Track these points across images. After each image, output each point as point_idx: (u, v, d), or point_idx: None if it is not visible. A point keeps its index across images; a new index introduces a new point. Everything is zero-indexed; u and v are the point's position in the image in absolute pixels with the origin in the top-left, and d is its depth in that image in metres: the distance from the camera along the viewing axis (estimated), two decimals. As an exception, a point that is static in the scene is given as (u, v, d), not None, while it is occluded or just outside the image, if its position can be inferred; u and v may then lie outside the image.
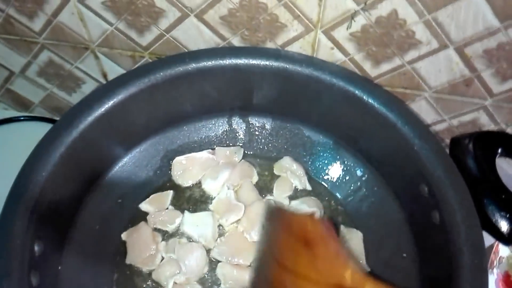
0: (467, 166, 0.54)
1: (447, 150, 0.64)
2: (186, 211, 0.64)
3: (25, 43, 0.74)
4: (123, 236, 0.62)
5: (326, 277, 0.37)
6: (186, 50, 0.69)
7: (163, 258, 0.60)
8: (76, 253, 0.58)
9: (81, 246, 0.59)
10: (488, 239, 0.60)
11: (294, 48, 0.66)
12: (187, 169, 0.67)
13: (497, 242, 0.61)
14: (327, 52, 0.65)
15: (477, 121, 0.71)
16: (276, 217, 0.47)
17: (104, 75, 0.77)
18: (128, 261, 0.60)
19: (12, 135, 0.84)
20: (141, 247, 0.61)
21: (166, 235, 0.63)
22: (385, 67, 0.66)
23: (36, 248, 0.50)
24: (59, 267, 0.55)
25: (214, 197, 0.66)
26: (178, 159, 0.68)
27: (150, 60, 0.72)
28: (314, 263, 0.38)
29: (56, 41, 0.72)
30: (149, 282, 0.59)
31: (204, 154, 0.69)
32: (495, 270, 0.61)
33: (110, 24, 0.67)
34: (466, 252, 0.48)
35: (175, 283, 0.58)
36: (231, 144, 0.71)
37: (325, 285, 0.37)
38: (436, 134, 0.75)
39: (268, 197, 0.66)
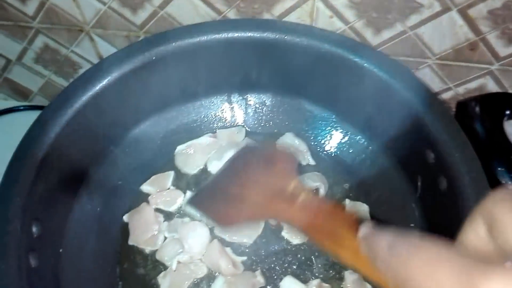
0: (474, 129, 0.53)
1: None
2: (188, 191, 0.63)
3: (19, 29, 0.73)
4: (125, 217, 0.61)
5: (274, 183, 0.43)
6: (181, 27, 0.68)
7: (165, 238, 0.60)
8: (77, 235, 0.57)
9: (82, 229, 0.58)
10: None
11: (292, 18, 0.64)
12: (190, 156, 0.66)
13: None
14: (326, 21, 0.64)
15: (484, 88, 0.69)
16: (250, 149, 0.54)
17: (101, 58, 0.76)
18: (130, 242, 0.60)
19: (13, 125, 0.83)
20: (143, 228, 0.60)
21: (168, 215, 0.62)
22: (387, 34, 0.64)
23: (34, 229, 0.49)
24: (60, 250, 0.55)
25: (218, 177, 0.65)
26: (179, 148, 0.66)
27: (146, 40, 0.70)
28: (267, 175, 0.45)
29: (50, 24, 0.71)
30: (152, 263, 0.58)
31: (205, 139, 0.67)
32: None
33: (103, 3, 0.66)
34: (476, 217, 0.47)
35: (178, 262, 0.57)
36: (231, 123, 0.69)
37: (270, 188, 0.43)
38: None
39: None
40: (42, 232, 0.50)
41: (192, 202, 0.54)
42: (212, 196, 0.50)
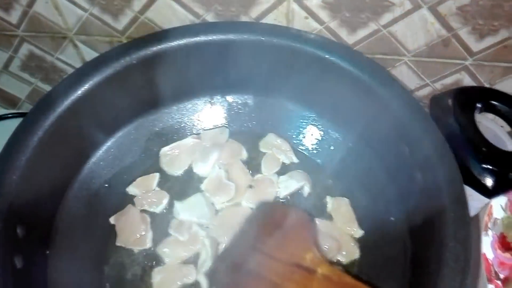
0: (447, 122, 0.54)
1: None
2: (175, 201, 0.63)
3: (4, 37, 0.74)
4: (111, 220, 0.62)
5: (289, 257, 0.41)
6: (162, 31, 0.69)
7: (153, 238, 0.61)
8: (64, 238, 0.58)
9: (69, 231, 0.59)
10: (480, 201, 0.59)
11: (269, 20, 0.66)
12: (175, 158, 0.67)
13: (490, 204, 0.60)
14: (302, 22, 0.65)
15: (460, 83, 0.70)
16: (265, 211, 0.51)
17: (85, 64, 0.77)
18: (118, 243, 0.60)
19: (1, 132, 0.84)
20: (131, 228, 0.61)
21: (154, 216, 0.63)
22: (361, 33, 0.65)
23: (18, 231, 0.50)
24: (47, 251, 0.56)
25: (203, 178, 0.66)
26: (164, 149, 0.67)
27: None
28: (282, 245, 0.43)
29: (35, 32, 0.72)
30: (141, 262, 0.59)
31: (190, 141, 0.68)
32: (490, 232, 0.60)
33: (85, 10, 0.67)
34: (449, 206, 0.48)
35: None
36: (214, 124, 0.70)
37: (286, 264, 0.41)
38: (421, 99, 0.74)
39: (257, 175, 0.66)
40: (28, 234, 0.51)
41: (212, 277, 0.52)
42: (228, 271, 0.48)
